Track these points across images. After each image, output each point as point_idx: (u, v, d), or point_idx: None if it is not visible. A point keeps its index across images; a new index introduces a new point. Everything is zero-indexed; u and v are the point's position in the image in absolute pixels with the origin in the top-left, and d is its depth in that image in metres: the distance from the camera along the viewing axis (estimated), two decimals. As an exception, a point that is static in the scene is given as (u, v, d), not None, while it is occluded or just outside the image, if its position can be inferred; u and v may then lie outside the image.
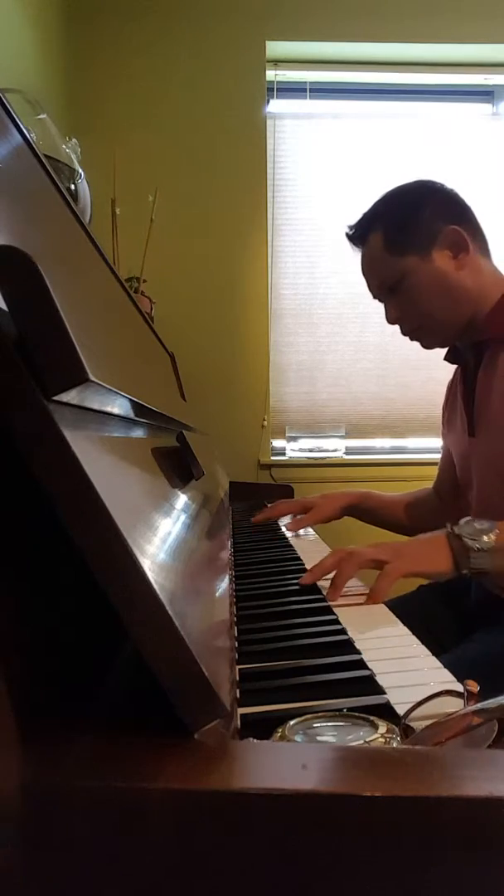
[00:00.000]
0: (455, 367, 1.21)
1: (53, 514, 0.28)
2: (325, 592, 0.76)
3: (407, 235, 1.03)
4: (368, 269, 1.10)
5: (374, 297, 1.12)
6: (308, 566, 0.87)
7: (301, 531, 1.28)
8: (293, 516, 1.28)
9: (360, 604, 0.73)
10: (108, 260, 0.92)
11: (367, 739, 0.35)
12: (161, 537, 0.39)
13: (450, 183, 1.09)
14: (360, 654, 0.54)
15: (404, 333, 1.12)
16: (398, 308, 1.08)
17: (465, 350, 1.12)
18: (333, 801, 0.25)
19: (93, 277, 0.72)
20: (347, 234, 1.12)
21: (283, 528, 1.28)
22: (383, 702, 0.44)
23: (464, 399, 1.13)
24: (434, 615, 1.13)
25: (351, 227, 1.11)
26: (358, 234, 1.09)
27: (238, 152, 2.36)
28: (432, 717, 0.39)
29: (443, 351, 1.19)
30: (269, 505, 1.37)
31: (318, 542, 1.19)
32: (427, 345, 1.12)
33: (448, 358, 1.18)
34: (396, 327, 1.14)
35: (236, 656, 0.55)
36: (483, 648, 0.95)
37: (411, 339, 1.12)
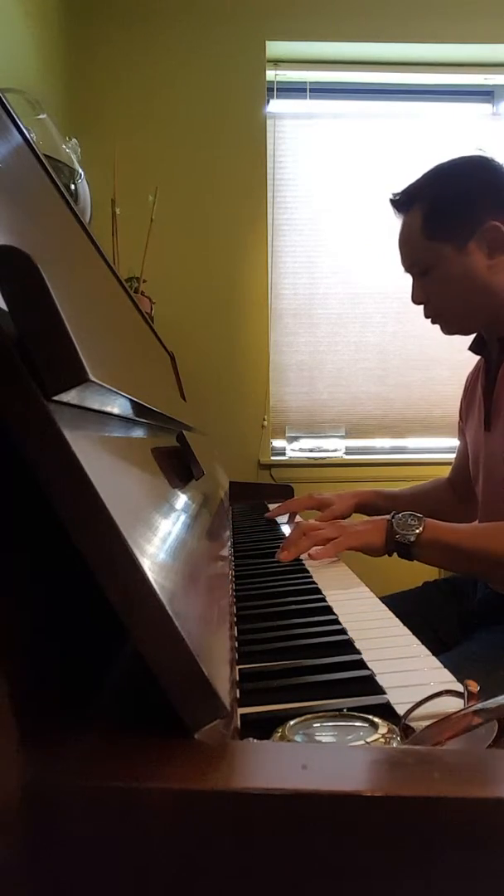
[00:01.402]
0: (478, 357, 1.20)
1: (53, 514, 0.28)
2: (322, 591, 0.76)
3: (447, 223, 1.02)
4: (404, 244, 1.09)
5: (405, 270, 1.12)
6: (308, 566, 0.90)
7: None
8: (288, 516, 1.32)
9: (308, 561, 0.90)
10: (108, 260, 0.92)
11: (367, 739, 0.35)
12: (161, 537, 0.39)
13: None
14: (360, 654, 0.54)
15: (426, 316, 1.12)
16: (425, 291, 1.08)
17: (491, 342, 1.12)
18: (333, 801, 0.25)
19: (93, 277, 0.72)
20: (391, 200, 1.10)
21: (283, 528, 1.28)
22: (383, 702, 0.44)
23: (484, 392, 1.13)
24: (437, 613, 1.14)
25: (396, 194, 1.09)
26: (402, 202, 1.08)
27: (238, 152, 2.36)
28: (432, 717, 0.38)
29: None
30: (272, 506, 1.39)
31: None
32: (446, 331, 1.12)
33: (473, 348, 1.18)
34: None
35: (236, 656, 0.55)
36: (484, 646, 0.95)
37: (432, 322, 1.11)
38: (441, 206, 1.02)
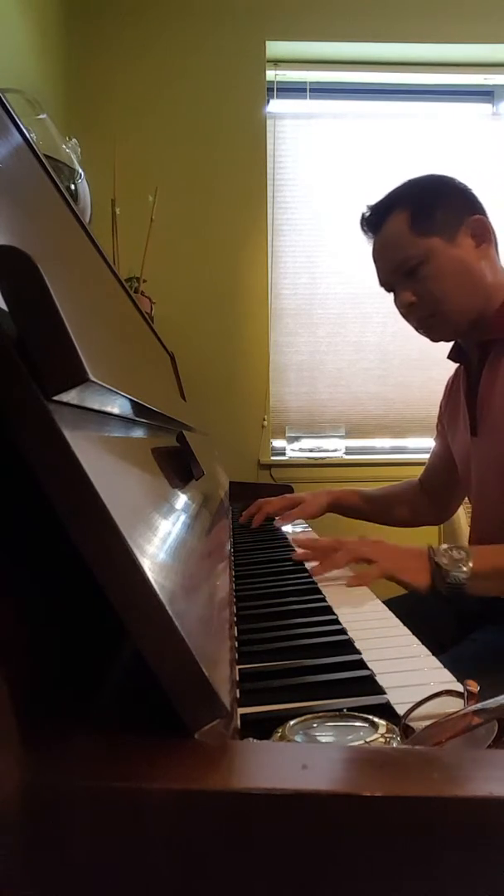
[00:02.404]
0: (456, 365, 1.21)
1: (53, 514, 0.28)
2: (322, 591, 0.76)
3: (434, 216, 1.02)
4: (385, 251, 1.07)
5: (384, 282, 1.09)
6: (308, 566, 0.89)
7: (298, 528, 1.30)
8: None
9: (342, 584, 0.81)
10: (108, 260, 0.92)
11: (367, 739, 0.35)
12: (161, 537, 0.39)
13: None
14: (360, 654, 0.54)
15: (415, 322, 1.09)
16: (412, 292, 1.05)
17: (469, 349, 1.12)
18: (333, 801, 0.25)
19: (93, 277, 0.72)
20: (364, 218, 1.08)
21: (283, 527, 1.28)
22: (383, 702, 0.44)
23: (467, 398, 1.12)
24: (434, 615, 1.13)
25: (370, 209, 1.08)
26: (376, 218, 1.06)
27: (238, 152, 2.36)
28: (432, 717, 0.38)
29: (443, 349, 1.19)
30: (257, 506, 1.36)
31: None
32: (435, 337, 1.10)
33: (451, 356, 1.18)
34: (396, 326, 1.13)
35: (236, 656, 0.55)
36: (482, 647, 0.95)
37: (421, 327, 1.09)
38: (427, 202, 1.03)
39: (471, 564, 0.83)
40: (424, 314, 1.06)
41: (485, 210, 1.05)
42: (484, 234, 1.02)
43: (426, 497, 1.35)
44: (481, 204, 1.06)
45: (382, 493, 1.42)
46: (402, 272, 1.04)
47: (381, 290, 1.12)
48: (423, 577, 0.84)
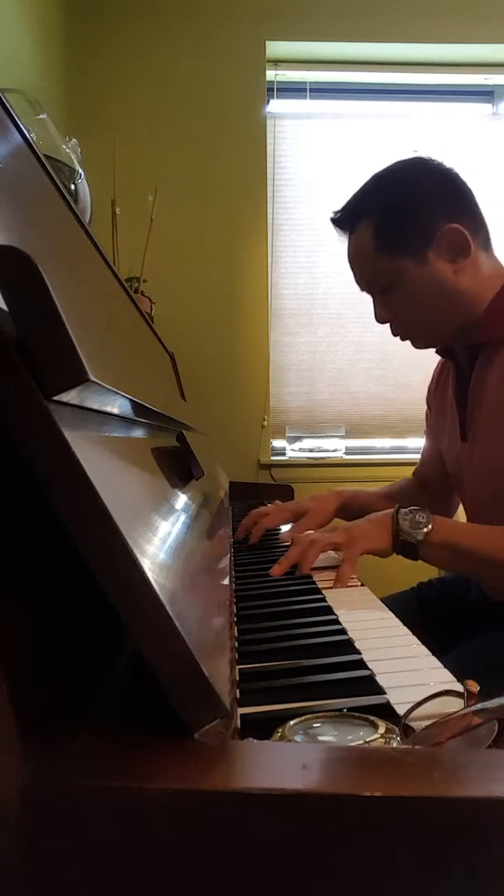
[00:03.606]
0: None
1: (53, 514, 0.28)
2: (322, 591, 0.76)
3: (401, 233, 0.94)
4: (356, 262, 1.02)
5: (361, 290, 1.05)
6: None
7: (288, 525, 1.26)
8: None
9: (331, 588, 0.81)
10: (108, 260, 0.92)
11: (367, 739, 0.35)
12: (161, 537, 0.39)
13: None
14: (359, 654, 0.54)
15: (394, 334, 1.06)
16: (388, 309, 1.02)
17: (459, 348, 1.07)
18: (333, 801, 0.25)
19: (93, 277, 0.72)
20: (333, 219, 1.02)
21: (283, 527, 1.25)
22: (383, 702, 0.44)
23: (456, 399, 1.09)
24: (434, 616, 1.13)
25: (337, 212, 1.02)
26: (345, 220, 1.01)
27: (238, 152, 2.36)
28: (432, 717, 0.38)
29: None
30: (258, 512, 1.22)
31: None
32: (418, 346, 1.07)
33: (440, 352, 1.13)
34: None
35: (236, 656, 0.55)
36: (483, 649, 0.95)
37: (402, 339, 1.06)
38: (391, 219, 0.95)
39: (428, 529, 0.85)
40: (400, 331, 1.04)
41: (466, 198, 0.97)
42: (459, 247, 0.94)
43: (422, 489, 1.30)
44: (462, 191, 0.97)
45: (385, 492, 1.35)
46: (375, 288, 1.01)
47: None
48: (385, 540, 0.86)
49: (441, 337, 1.05)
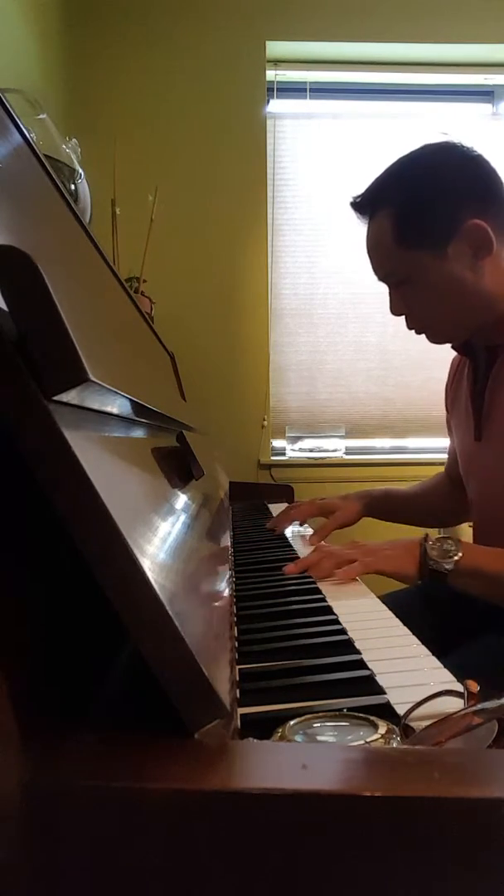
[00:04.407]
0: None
1: (53, 514, 0.28)
2: (322, 591, 0.76)
3: (421, 226, 0.91)
4: (373, 251, 0.98)
5: (378, 280, 1.02)
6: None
7: (300, 529, 1.27)
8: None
9: (330, 579, 0.82)
10: (108, 260, 0.91)
11: (368, 739, 0.35)
12: (161, 537, 0.39)
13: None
14: (360, 654, 0.54)
15: (409, 327, 1.03)
16: (404, 302, 0.98)
17: (477, 347, 1.05)
18: (333, 801, 0.25)
19: (93, 277, 0.72)
20: (353, 203, 1.00)
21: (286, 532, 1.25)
22: (383, 702, 0.44)
23: (471, 398, 1.07)
24: (439, 613, 1.13)
25: (357, 197, 0.99)
26: (365, 206, 0.98)
27: (238, 152, 2.36)
28: (432, 717, 0.38)
29: (443, 350, 1.15)
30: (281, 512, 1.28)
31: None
32: (433, 341, 1.04)
33: (457, 349, 1.11)
34: (396, 326, 1.09)
35: (236, 656, 0.55)
36: (485, 652, 0.94)
37: (416, 333, 1.03)
38: (412, 210, 0.91)
39: (458, 557, 0.83)
40: (415, 326, 1.01)
41: (493, 188, 0.92)
42: (481, 244, 0.90)
43: (453, 486, 1.27)
44: (490, 180, 0.92)
45: (417, 491, 1.33)
46: (392, 280, 0.98)
47: (382, 289, 1.07)
48: (410, 566, 0.84)
49: (457, 334, 1.03)
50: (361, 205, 0.99)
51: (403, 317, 1.02)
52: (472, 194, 0.91)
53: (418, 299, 0.97)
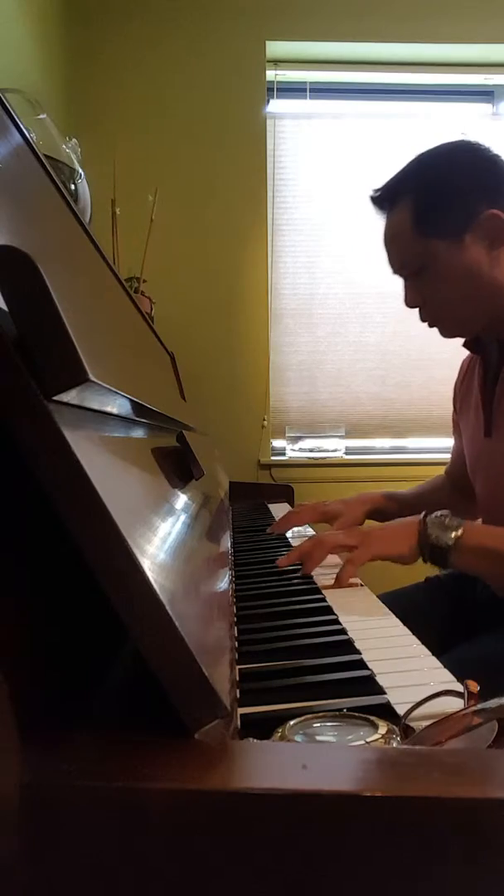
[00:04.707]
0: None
1: (53, 514, 0.28)
2: (322, 591, 0.76)
3: (439, 216, 0.93)
4: (391, 243, 1.00)
5: (394, 273, 1.03)
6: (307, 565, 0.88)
7: (300, 528, 1.26)
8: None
9: (327, 587, 0.79)
10: (108, 260, 0.91)
11: (368, 739, 0.35)
12: (161, 537, 0.39)
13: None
14: (360, 654, 0.54)
15: (422, 320, 1.03)
16: (418, 293, 0.99)
17: (489, 342, 1.05)
18: (333, 801, 0.25)
19: (93, 277, 0.72)
20: (372, 197, 1.01)
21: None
22: (383, 702, 0.44)
23: (482, 394, 1.07)
24: (438, 613, 1.13)
25: (377, 190, 1.01)
26: (384, 199, 1.00)
27: (238, 152, 2.36)
28: (432, 717, 0.38)
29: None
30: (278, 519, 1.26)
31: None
32: (446, 334, 1.04)
33: (468, 346, 1.11)
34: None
35: (236, 656, 0.55)
36: (486, 649, 0.95)
37: (429, 326, 1.04)
38: (431, 199, 0.94)
39: (459, 533, 0.82)
40: (429, 317, 1.02)
41: None
42: (498, 235, 0.92)
43: (456, 490, 1.28)
44: None
45: (418, 493, 1.33)
46: (407, 270, 0.99)
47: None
48: (404, 546, 0.83)
49: (470, 327, 1.03)
50: (381, 197, 1.01)
51: (417, 310, 1.02)
52: (491, 186, 0.93)
53: (433, 289, 0.98)
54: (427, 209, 0.94)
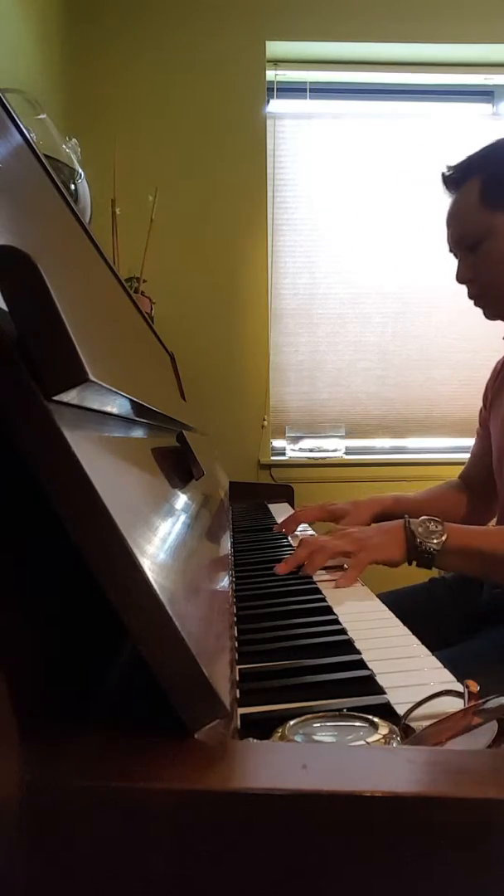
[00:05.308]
0: None
1: (53, 514, 0.28)
2: (322, 591, 0.76)
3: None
4: (454, 217, 1.06)
5: (450, 249, 1.09)
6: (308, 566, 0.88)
7: (300, 529, 1.26)
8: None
9: (332, 585, 0.80)
10: (108, 260, 0.91)
11: (368, 740, 0.35)
12: (161, 537, 0.39)
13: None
14: (360, 653, 0.54)
15: (469, 296, 1.09)
16: (471, 269, 1.05)
17: None
18: (333, 801, 0.25)
19: (93, 277, 0.72)
20: (443, 175, 1.07)
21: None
22: (383, 702, 0.44)
23: None
24: (442, 611, 1.13)
25: (450, 168, 1.07)
26: (455, 178, 1.05)
27: (238, 152, 2.36)
28: (432, 717, 0.38)
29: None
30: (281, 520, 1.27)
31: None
32: (489, 315, 1.09)
33: None
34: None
35: (236, 656, 0.55)
36: (488, 643, 0.95)
37: (476, 303, 1.09)
38: (499, 175, 1.00)
39: (443, 538, 0.85)
40: (477, 292, 1.07)
41: None
42: None
43: (471, 494, 1.29)
44: None
45: (427, 497, 1.34)
46: (464, 245, 1.05)
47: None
48: (397, 550, 0.86)
49: None
50: (452, 177, 1.06)
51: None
52: None
53: (486, 264, 1.03)
54: (494, 184, 0.99)
